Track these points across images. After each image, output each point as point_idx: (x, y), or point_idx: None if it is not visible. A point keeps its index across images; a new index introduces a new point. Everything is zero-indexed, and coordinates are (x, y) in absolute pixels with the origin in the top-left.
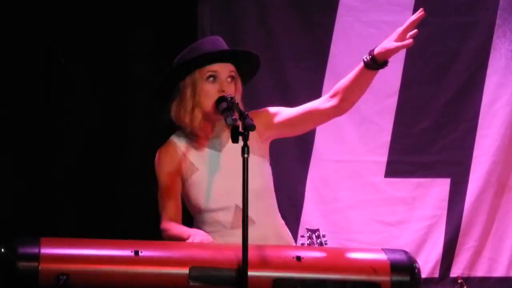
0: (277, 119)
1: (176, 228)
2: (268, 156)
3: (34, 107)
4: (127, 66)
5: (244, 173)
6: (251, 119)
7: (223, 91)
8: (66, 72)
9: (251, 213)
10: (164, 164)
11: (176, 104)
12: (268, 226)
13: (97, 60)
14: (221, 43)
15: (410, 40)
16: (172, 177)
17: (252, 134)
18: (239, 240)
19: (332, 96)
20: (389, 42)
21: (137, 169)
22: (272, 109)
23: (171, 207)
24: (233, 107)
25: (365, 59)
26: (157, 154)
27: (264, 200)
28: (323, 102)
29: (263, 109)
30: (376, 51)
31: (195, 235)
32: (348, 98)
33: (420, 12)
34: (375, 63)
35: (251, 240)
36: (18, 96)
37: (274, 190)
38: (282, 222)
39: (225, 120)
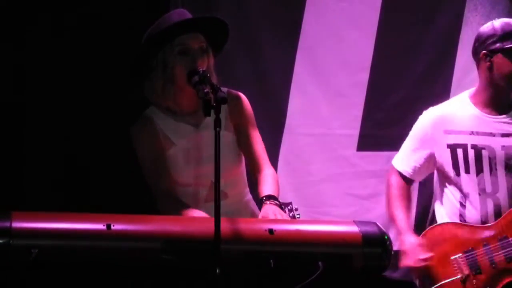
0: (241, 130)
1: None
2: None
3: None
4: (101, 44)
5: (216, 146)
6: (223, 92)
7: (195, 63)
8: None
9: (225, 188)
10: (145, 140)
11: (148, 82)
12: (240, 200)
13: (69, 38)
14: (187, 15)
15: None
16: (158, 151)
17: (224, 111)
18: (211, 213)
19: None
20: None
21: (112, 142)
22: (250, 117)
23: (166, 183)
24: (205, 80)
25: None
26: (133, 131)
27: (238, 175)
28: (251, 170)
29: (246, 104)
30: None
31: None
32: None
33: None
34: None
35: (223, 214)
36: None
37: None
38: (250, 196)
39: (197, 93)
